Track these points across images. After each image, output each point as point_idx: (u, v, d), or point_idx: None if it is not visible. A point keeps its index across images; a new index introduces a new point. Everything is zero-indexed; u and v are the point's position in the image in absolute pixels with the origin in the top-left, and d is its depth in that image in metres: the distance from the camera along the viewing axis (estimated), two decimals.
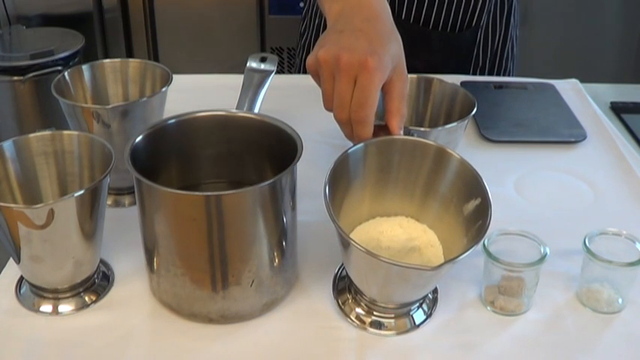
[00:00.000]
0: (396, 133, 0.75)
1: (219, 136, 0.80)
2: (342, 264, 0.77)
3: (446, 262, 0.67)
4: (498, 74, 1.31)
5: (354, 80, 0.71)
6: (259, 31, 2.26)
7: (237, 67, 0.99)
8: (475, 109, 0.88)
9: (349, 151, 0.74)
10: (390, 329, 0.73)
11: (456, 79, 1.13)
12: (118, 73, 0.94)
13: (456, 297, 0.77)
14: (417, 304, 0.74)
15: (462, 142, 1.03)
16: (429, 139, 0.77)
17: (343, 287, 0.76)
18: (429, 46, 0.98)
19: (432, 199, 0.76)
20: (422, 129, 0.85)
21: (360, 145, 0.74)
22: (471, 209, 0.72)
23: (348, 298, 0.75)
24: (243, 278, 0.71)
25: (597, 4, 2.34)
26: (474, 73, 1.28)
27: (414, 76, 0.96)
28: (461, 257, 0.65)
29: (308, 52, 1.30)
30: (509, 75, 1.32)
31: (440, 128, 0.86)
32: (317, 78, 0.77)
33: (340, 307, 0.75)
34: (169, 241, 0.71)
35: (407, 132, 0.83)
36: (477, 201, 0.71)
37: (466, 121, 0.88)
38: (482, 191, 0.71)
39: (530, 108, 1.13)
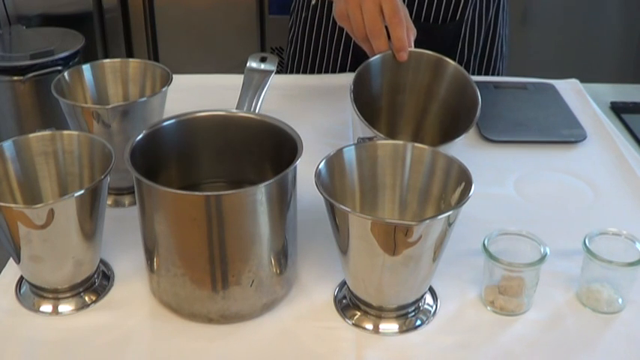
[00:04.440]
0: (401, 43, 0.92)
1: (219, 136, 0.80)
2: (343, 281, 0.77)
3: (427, 218, 0.68)
4: (487, 73, 1.31)
5: (379, 4, 0.91)
6: (259, 31, 2.26)
7: (237, 67, 0.99)
8: (478, 113, 0.88)
9: (344, 149, 0.75)
10: (389, 329, 0.73)
11: None
12: (118, 73, 0.94)
13: (456, 297, 0.77)
14: (415, 306, 0.74)
15: (461, 142, 1.03)
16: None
17: (343, 296, 0.76)
18: None
19: (424, 203, 0.76)
20: (423, 146, 0.84)
21: (351, 146, 0.75)
22: (457, 197, 0.72)
23: (349, 305, 0.75)
24: (243, 278, 0.71)
25: (597, 4, 2.33)
26: None
27: (431, 53, 0.95)
28: (442, 215, 0.66)
29: (295, 48, 1.30)
30: (498, 74, 1.32)
31: (446, 145, 0.84)
32: (347, 21, 0.95)
33: (340, 311, 0.75)
34: (169, 241, 0.71)
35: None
36: (462, 186, 0.71)
37: (471, 128, 0.87)
38: (465, 175, 0.71)
39: (530, 108, 1.13)
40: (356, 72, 0.91)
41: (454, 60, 0.95)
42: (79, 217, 0.70)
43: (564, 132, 1.07)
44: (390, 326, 0.73)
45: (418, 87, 0.97)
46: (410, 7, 1.17)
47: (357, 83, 0.89)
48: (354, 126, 0.92)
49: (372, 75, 0.94)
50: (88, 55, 1.99)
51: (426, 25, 1.19)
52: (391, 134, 0.91)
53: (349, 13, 0.94)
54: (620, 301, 0.76)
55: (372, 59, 0.93)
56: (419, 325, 0.73)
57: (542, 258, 0.73)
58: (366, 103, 0.88)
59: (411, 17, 1.08)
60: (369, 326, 0.73)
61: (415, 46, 0.95)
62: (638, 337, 0.73)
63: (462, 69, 0.95)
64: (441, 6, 1.19)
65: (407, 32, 0.93)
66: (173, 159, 0.80)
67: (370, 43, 0.94)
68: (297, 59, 1.31)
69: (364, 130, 0.84)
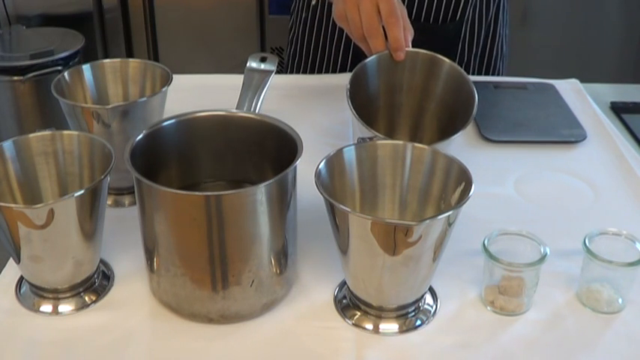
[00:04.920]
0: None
1: (219, 136, 0.80)
2: (343, 281, 0.77)
3: (427, 218, 0.68)
4: (487, 73, 1.31)
5: (375, 4, 0.91)
6: (259, 31, 2.26)
7: (237, 67, 0.99)
8: (475, 110, 0.88)
9: (344, 149, 0.75)
10: (389, 329, 0.73)
11: None
12: (118, 73, 0.94)
13: (456, 297, 0.77)
14: (415, 306, 0.74)
15: (461, 142, 1.03)
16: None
17: (343, 296, 0.76)
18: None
19: (424, 203, 0.76)
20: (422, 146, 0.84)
21: (351, 146, 0.75)
22: (457, 197, 0.72)
23: (349, 305, 0.75)
24: (243, 278, 0.71)
25: (597, 4, 2.33)
26: None
27: (426, 52, 0.95)
28: (442, 215, 0.66)
29: (296, 48, 1.31)
30: (498, 74, 1.32)
31: (440, 143, 0.84)
32: (345, 22, 0.95)
33: (340, 311, 0.75)
34: (169, 241, 0.71)
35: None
36: (462, 186, 0.71)
37: (467, 125, 0.87)
38: (465, 175, 0.71)
39: (530, 108, 1.13)
40: (352, 73, 0.91)
41: (454, 60, 0.95)
42: (79, 217, 0.70)
43: (564, 132, 1.07)
44: (390, 326, 0.73)
45: (415, 86, 0.97)
46: (410, 7, 1.17)
47: (353, 84, 0.89)
48: (353, 126, 0.92)
49: (368, 75, 0.94)
50: (88, 55, 2.00)
51: (426, 25, 1.19)
52: (389, 134, 0.91)
53: (347, 14, 0.95)
54: (620, 301, 0.76)
55: (367, 59, 0.93)
56: (419, 325, 0.73)
57: (542, 258, 0.73)
58: (363, 104, 0.88)
59: (411, 17, 1.09)
60: (369, 326, 0.73)
61: (415, 47, 0.95)
62: (638, 337, 0.73)
63: (456, 66, 0.95)
64: (441, 6, 1.19)
65: (404, 32, 0.93)
66: (173, 159, 0.80)
67: (368, 43, 0.94)
68: (297, 59, 1.31)
69: (362, 131, 0.85)
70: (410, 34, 0.95)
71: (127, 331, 0.72)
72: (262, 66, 0.93)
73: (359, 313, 0.74)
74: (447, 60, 0.95)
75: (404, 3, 1.17)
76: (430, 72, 0.96)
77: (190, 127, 0.79)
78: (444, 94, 0.95)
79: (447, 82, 0.95)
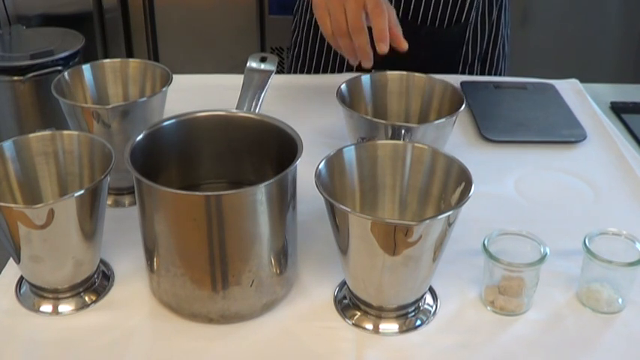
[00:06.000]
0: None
1: (219, 136, 0.80)
2: (343, 281, 0.77)
3: (427, 218, 0.68)
4: (490, 73, 1.31)
5: (362, 4, 0.91)
6: (259, 31, 2.27)
7: (237, 67, 0.99)
8: (464, 105, 0.88)
9: (344, 149, 0.75)
10: (389, 329, 0.73)
11: (455, 79, 1.13)
12: (118, 73, 0.94)
13: (456, 297, 0.77)
14: (415, 306, 0.74)
15: (461, 142, 1.03)
16: (416, 135, 0.77)
17: (343, 296, 0.76)
18: (416, 40, 1.00)
19: (424, 204, 0.76)
20: (410, 125, 0.84)
21: (351, 146, 0.75)
22: (457, 197, 0.72)
23: (349, 305, 0.75)
24: (243, 278, 0.71)
25: (597, 4, 2.34)
26: (463, 70, 1.28)
27: (404, 73, 0.96)
28: (442, 215, 0.66)
29: (299, 49, 1.31)
30: (501, 74, 1.32)
31: (427, 124, 0.86)
32: (324, 15, 0.94)
33: (340, 311, 0.75)
34: (169, 241, 0.71)
35: (395, 129, 0.83)
36: (462, 186, 0.71)
37: (454, 117, 0.87)
38: (465, 175, 0.71)
39: (530, 108, 1.13)
40: (344, 84, 0.91)
41: (459, 63, 0.95)
42: (79, 217, 0.70)
43: (564, 132, 1.07)
44: (390, 326, 0.73)
45: (402, 112, 0.97)
46: (415, 11, 1.17)
47: (344, 95, 0.89)
48: (347, 127, 0.92)
49: (362, 92, 0.94)
50: (88, 55, 1.99)
51: (432, 28, 1.19)
52: None
53: (330, 9, 0.94)
54: (620, 301, 0.76)
55: (362, 76, 0.93)
56: (419, 325, 0.73)
57: (542, 258, 0.73)
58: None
59: (416, 22, 1.09)
60: (369, 326, 0.73)
61: (421, 50, 0.94)
62: (638, 337, 0.73)
63: (432, 77, 0.95)
64: (446, 10, 1.19)
65: (394, 27, 0.93)
66: (173, 159, 0.80)
67: (347, 40, 0.94)
68: (300, 61, 1.31)
69: (356, 128, 0.84)
70: (399, 29, 0.94)
71: (127, 331, 0.72)
72: (262, 66, 0.93)
73: (359, 313, 0.74)
74: (422, 75, 0.95)
75: (410, 7, 1.17)
76: (413, 94, 0.96)
77: (190, 127, 0.79)
78: (428, 109, 0.95)
79: (427, 95, 0.95)
